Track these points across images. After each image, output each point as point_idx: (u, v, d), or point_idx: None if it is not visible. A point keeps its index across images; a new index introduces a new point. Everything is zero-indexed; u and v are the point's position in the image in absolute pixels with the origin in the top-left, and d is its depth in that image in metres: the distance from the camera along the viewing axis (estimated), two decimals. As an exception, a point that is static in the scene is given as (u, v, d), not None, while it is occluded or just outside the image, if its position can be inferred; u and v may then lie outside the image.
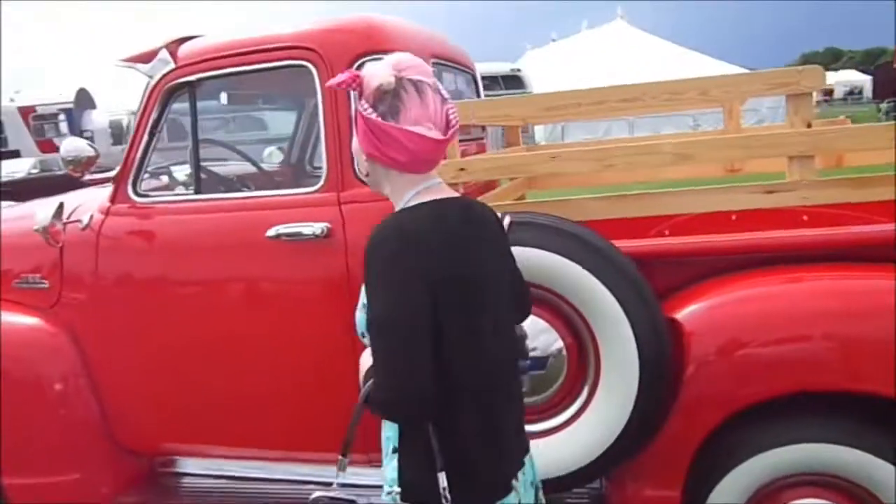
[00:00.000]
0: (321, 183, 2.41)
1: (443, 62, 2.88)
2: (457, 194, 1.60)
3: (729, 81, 2.11)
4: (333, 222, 2.37)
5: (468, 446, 1.45)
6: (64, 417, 2.68)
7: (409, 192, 1.53)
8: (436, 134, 1.47)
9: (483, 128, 3.36)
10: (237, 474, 2.84)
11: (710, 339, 2.09)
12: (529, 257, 2.03)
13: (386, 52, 2.42)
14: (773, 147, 2.14)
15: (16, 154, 14.38)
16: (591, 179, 2.86)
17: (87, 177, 2.67)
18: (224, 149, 3.23)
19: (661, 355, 2.02)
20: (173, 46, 2.62)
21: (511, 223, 1.82)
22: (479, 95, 3.33)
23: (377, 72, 1.47)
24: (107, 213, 2.65)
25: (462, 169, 2.38)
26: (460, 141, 3.04)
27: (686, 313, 2.13)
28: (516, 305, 1.64)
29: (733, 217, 2.47)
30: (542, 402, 2.16)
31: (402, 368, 1.39)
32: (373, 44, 2.44)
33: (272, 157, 3.69)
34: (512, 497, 1.47)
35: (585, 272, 2.02)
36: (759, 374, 2.05)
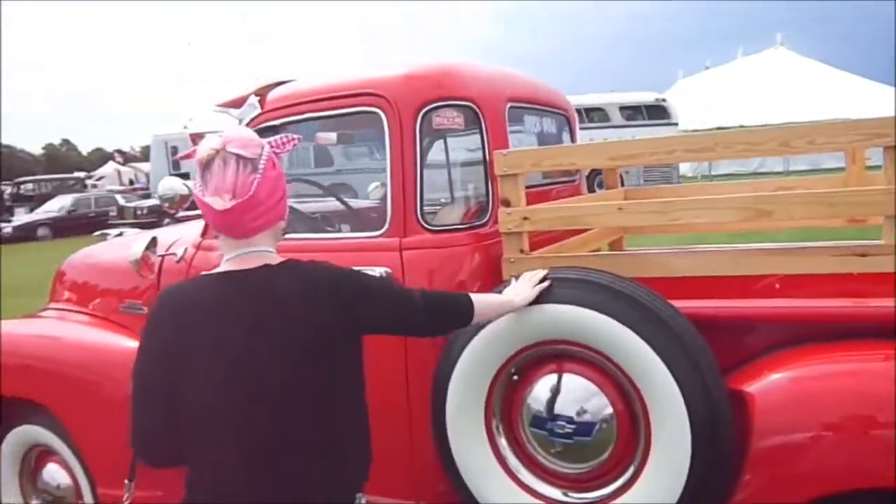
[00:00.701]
0: (385, 228, 2.44)
1: (525, 105, 2.84)
2: (277, 264, 1.64)
3: (814, 132, 1.90)
4: (394, 267, 2.38)
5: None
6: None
7: (225, 256, 1.65)
8: (222, 204, 1.53)
9: (576, 172, 3.27)
10: None
11: (782, 417, 1.88)
12: (574, 316, 1.93)
13: (456, 99, 2.45)
14: (863, 206, 1.91)
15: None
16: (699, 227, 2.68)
17: (181, 213, 2.85)
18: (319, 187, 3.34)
19: (718, 430, 1.85)
20: (263, 91, 2.76)
21: (550, 280, 1.86)
22: (573, 137, 3.24)
23: (203, 144, 1.58)
24: (198, 247, 2.82)
25: (526, 218, 2.32)
26: (552, 184, 2.97)
27: (756, 386, 1.93)
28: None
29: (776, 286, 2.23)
30: (589, 471, 2.03)
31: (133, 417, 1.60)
32: (442, 91, 2.45)
33: (377, 193, 3.78)
34: None
35: (633, 334, 1.89)
36: (840, 464, 1.81)
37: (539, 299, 2.01)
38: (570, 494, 2.05)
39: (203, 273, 1.66)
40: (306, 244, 2.60)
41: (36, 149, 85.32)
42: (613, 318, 1.91)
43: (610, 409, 1.99)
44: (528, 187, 2.84)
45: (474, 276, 2.38)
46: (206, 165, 1.56)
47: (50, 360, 2.98)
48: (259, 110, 2.71)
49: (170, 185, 2.79)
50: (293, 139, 1.66)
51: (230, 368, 1.54)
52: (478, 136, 2.50)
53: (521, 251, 2.35)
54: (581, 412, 2.00)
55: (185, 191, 2.80)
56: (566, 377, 2.04)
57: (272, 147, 1.64)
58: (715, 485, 1.87)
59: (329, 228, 3.00)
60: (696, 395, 1.84)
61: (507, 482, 2.09)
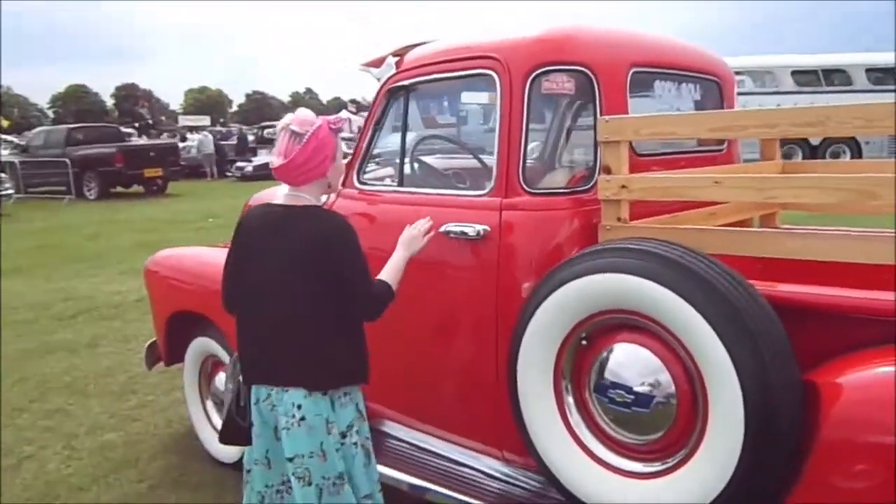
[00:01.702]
0: (490, 187, 2.53)
1: (658, 70, 2.75)
2: (297, 204, 2.25)
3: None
4: (493, 226, 2.48)
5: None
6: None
7: (284, 193, 2.31)
8: (274, 163, 2.22)
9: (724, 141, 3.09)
10: (435, 450, 2.85)
11: (853, 414, 1.75)
12: (630, 286, 1.92)
13: (568, 64, 2.46)
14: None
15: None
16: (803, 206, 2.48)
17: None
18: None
19: (775, 419, 1.76)
20: (402, 52, 2.95)
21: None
22: (723, 102, 3.06)
23: (281, 120, 2.26)
24: (338, 195, 3.12)
25: (623, 186, 2.30)
26: (688, 153, 2.87)
27: (832, 378, 1.81)
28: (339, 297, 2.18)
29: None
30: (645, 443, 2.03)
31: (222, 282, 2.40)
32: (554, 56, 2.47)
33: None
34: (271, 401, 2.18)
35: (696, 312, 1.84)
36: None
37: (604, 268, 2.01)
38: (623, 461, 2.07)
39: (266, 202, 2.35)
40: (425, 198, 2.78)
41: (284, 96, 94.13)
42: (670, 288, 1.87)
43: (672, 387, 1.96)
44: (660, 154, 2.80)
45: (571, 241, 2.41)
46: (278, 135, 2.24)
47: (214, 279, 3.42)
48: (394, 70, 2.90)
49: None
50: (341, 120, 2.29)
51: (255, 269, 2.23)
52: (590, 102, 2.50)
53: (619, 219, 2.34)
54: (641, 384, 1.99)
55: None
56: (631, 348, 2.03)
57: (329, 123, 2.23)
58: (769, 474, 1.80)
59: (459, 185, 3.14)
60: (754, 380, 1.77)
61: (567, 439, 2.15)
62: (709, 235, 2.18)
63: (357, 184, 3.03)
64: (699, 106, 2.99)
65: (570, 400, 2.18)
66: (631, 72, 2.59)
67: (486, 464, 2.62)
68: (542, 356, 2.17)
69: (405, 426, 2.98)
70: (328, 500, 2.13)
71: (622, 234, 2.30)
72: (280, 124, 2.23)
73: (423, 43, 2.96)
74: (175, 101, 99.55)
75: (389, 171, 3.14)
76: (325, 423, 2.15)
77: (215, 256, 3.86)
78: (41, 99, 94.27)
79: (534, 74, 2.44)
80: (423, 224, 2.53)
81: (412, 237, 2.48)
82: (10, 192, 16.58)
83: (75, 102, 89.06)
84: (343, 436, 2.20)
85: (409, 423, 2.95)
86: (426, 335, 2.74)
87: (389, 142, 3.16)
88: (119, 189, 19.04)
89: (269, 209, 2.31)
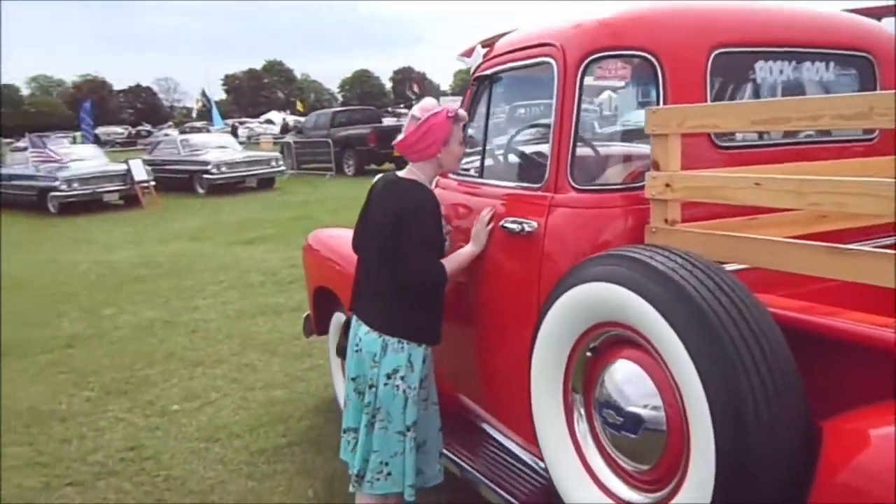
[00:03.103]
0: (543, 182, 2.42)
1: (756, 50, 2.39)
2: (404, 177, 2.62)
3: None
4: (540, 223, 2.37)
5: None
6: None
7: None
8: (397, 140, 2.64)
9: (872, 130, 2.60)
10: (497, 439, 2.85)
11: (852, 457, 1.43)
12: (620, 298, 1.75)
13: (625, 49, 2.29)
14: None
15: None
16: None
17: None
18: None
19: (751, 465, 1.51)
20: (491, 42, 2.91)
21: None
22: (876, 83, 2.56)
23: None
24: (437, 181, 3.17)
25: (668, 185, 2.07)
26: (808, 143, 2.49)
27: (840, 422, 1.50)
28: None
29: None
30: (636, 470, 1.84)
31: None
32: (609, 41, 2.29)
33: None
34: (354, 329, 2.62)
35: (672, 330, 1.62)
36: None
37: (595, 277, 1.84)
38: (621, 486, 1.89)
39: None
40: (493, 191, 2.73)
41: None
42: (649, 301, 1.66)
43: (662, 413, 1.75)
44: (759, 146, 2.46)
45: (618, 243, 2.21)
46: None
47: (340, 259, 3.66)
48: (480, 60, 2.88)
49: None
50: (455, 111, 2.54)
51: (367, 223, 2.68)
52: (653, 90, 2.27)
53: (666, 221, 2.12)
54: (631, 407, 1.80)
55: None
56: (628, 366, 1.84)
57: (447, 112, 2.52)
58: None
59: (526, 179, 3.01)
60: (727, 416, 1.52)
61: (572, 453, 2.01)
62: (762, 246, 1.88)
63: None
64: (830, 90, 2.55)
65: (578, 413, 2.04)
66: (713, 54, 2.29)
67: (534, 459, 2.55)
68: (551, 365, 2.06)
69: (476, 413, 2.99)
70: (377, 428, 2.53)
71: (666, 239, 2.08)
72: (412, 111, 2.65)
73: (511, 31, 2.89)
74: (446, 83, 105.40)
75: (489, 161, 3.13)
76: (371, 358, 2.53)
77: (339, 234, 4.10)
78: (333, 84, 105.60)
79: (587, 61, 2.28)
80: (485, 217, 2.55)
81: (477, 232, 2.60)
82: (283, 168, 18.94)
83: (360, 86, 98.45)
84: (388, 377, 2.51)
85: (476, 410, 2.96)
86: (481, 327, 2.73)
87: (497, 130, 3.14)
88: (373, 166, 20.81)
89: (389, 177, 2.70)
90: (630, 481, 1.88)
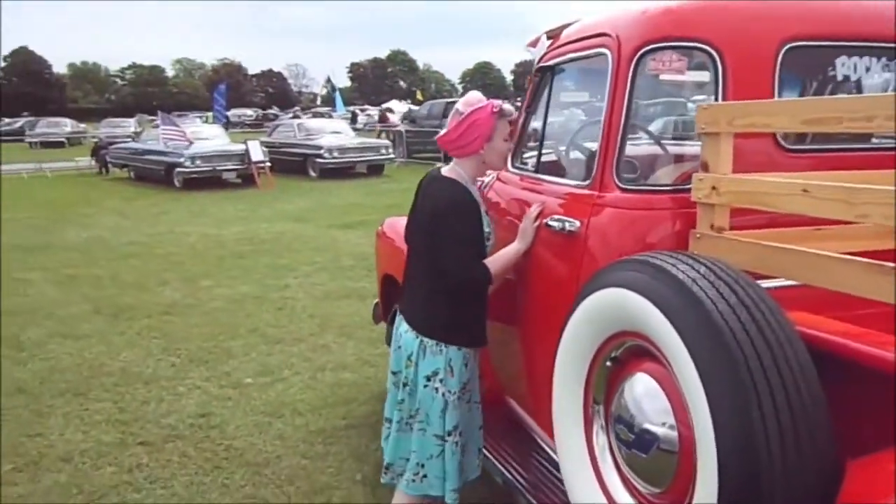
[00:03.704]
0: (590, 180, 2.30)
1: (836, 44, 2.16)
2: (443, 174, 2.52)
3: None
4: (583, 222, 2.26)
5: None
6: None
7: None
8: (440, 134, 2.55)
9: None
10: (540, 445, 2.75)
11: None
12: (633, 304, 1.62)
13: (682, 40, 2.14)
14: None
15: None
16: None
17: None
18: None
19: (754, 488, 1.36)
20: (556, 32, 2.79)
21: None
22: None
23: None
24: (497, 175, 3.10)
25: (714, 188, 1.91)
26: (852, 150, 2.26)
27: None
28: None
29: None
30: (648, 492, 1.70)
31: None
32: (671, 30, 2.14)
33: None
34: (397, 323, 2.59)
35: (682, 344, 1.48)
36: None
37: (614, 283, 1.71)
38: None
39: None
40: (544, 187, 2.63)
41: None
42: (660, 308, 1.53)
43: (675, 432, 1.61)
44: (837, 149, 2.23)
45: (663, 247, 2.06)
46: None
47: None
48: (544, 51, 2.77)
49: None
50: (500, 105, 2.46)
51: (412, 218, 2.61)
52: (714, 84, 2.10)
53: (712, 227, 1.95)
54: (643, 423, 1.67)
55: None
56: (645, 379, 1.70)
57: (492, 107, 2.43)
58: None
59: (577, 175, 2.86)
60: (734, 447, 1.37)
61: (588, 465, 1.90)
62: (804, 260, 1.69)
63: (511, 166, 2.97)
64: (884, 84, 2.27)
65: (599, 425, 1.92)
66: (784, 48, 2.09)
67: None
68: (573, 373, 1.95)
69: (521, 417, 2.90)
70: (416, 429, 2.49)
71: (711, 246, 1.92)
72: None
73: (575, 22, 2.76)
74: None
75: (546, 155, 3.02)
76: (407, 357, 2.48)
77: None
78: (454, 75, 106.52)
79: (640, 53, 2.14)
80: (532, 213, 2.46)
81: (523, 229, 2.52)
82: (392, 156, 19.28)
83: (481, 78, 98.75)
84: (427, 379, 2.45)
85: (521, 414, 2.87)
86: (523, 328, 2.63)
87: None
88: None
89: (433, 173, 2.62)
90: (636, 496, 1.75)
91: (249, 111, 60.55)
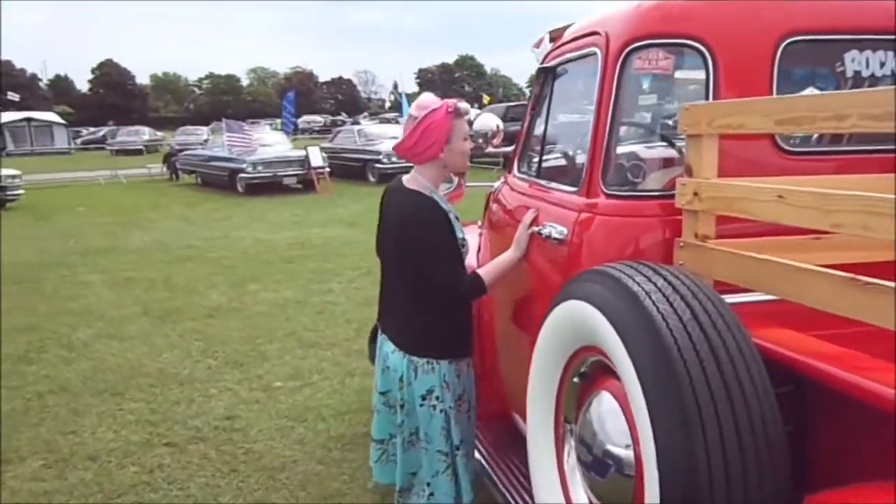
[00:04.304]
0: (579, 185, 2.20)
1: (843, 38, 2.01)
2: (405, 184, 2.39)
3: None
4: (570, 229, 2.16)
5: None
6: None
7: None
8: (394, 142, 2.44)
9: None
10: None
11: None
12: (590, 317, 1.53)
13: (669, 37, 2.05)
14: None
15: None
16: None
17: (491, 149, 3.05)
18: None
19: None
20: (558, 33, 2.70)
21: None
22: None
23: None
24: (506, 180, 3.02)
25: (696, 194, 1.79)
26: (845, 153, 2.09)
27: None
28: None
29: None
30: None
31: None
32: (658, 26, 2.03)
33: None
34: (380, 342, 2.49)
35: (629, 361, 1.38)
36: None
37: (575, 294, 1.62)
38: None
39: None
40: (534, 191, 2.55)
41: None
42: (612, 323, 1.43)
43: (631, 454, 1.50)
44: (849, 152, 2.08)
45: (650, 254, 1.95)
46: None
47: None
48: (546, 51, 2.68)
49: (484, 122, 3.03)
50: (454, 105, 2.32)
51: (380, 234, 2.50)
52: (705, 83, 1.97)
53: (696, 235, 1.83)
54: (601, 444, 1.57)
55: (493, 128, 3.00)
56: (607, 398, 1.60)
57: (447, 107, 2.30)
58: None
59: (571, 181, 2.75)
60: (677, 485, 1.26)
61: (558, 487, 1.80)
62: (779, 272, 1.56)
63: (515, 171, 2.90)
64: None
65: (569, 445, 1.83)
66: (784, 43, 1.95)
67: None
68: (542, 390, 1.87)
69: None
70: (418, 448, 2.40)
71: (693, 256, 1.80)
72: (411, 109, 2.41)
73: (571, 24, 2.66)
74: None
75: (547, 160, 2.92)
76: (398, 378, 2.37)
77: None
78: (522, 80, 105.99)
79: (626, 51, 2.03)
80: (527, 220, 2.39)
81: (518, 236, 2.44)
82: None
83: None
84: (423, 398, 2.35)
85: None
86: (520, 340, 2.54)
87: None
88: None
89: (393, 185, 2.49)
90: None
91: (319, 118, 61.79)
